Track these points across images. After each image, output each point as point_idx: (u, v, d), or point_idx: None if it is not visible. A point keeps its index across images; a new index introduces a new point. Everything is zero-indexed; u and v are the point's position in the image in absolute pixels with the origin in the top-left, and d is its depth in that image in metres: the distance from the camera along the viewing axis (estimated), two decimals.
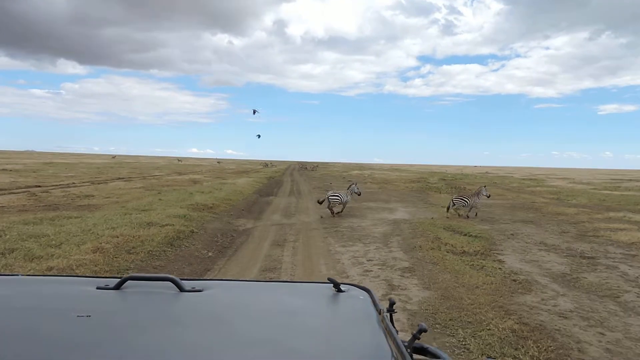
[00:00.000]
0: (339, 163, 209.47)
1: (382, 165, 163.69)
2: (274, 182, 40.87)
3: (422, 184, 39.47)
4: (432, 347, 1.33)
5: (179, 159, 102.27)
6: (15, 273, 1.98)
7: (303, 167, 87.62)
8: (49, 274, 5.89)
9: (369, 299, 1.51)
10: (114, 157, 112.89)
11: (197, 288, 1.53)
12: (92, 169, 52.02)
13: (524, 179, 58.14)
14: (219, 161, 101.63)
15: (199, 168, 68.71)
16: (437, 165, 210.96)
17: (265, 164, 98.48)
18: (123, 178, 36.33)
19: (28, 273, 5.88)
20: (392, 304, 1.54)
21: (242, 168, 78.12)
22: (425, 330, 1.27)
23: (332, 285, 1.61)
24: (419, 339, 1.28)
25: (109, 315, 1.30)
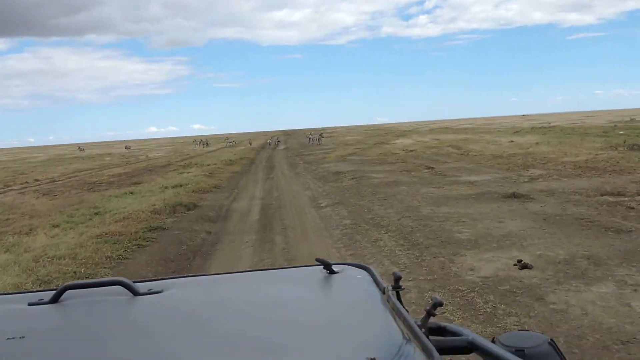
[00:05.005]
0: (339, 128, 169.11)
1: (400, 125, 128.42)
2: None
3: None
4: (452, 324, 1.19)
5: (80, 148, 68.44)
6: None
7: (272, 142, 51.68)
8: None
9: (369, 278, 1.38)
10: None
11: (154, 289, 1.33)
12: None
13: None
14: (127, 146, 66.34)
15: (66, 167, 34.06)
16: (461, 119, 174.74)
17: (204, 142, 59.59)
18: None
19: None
20: (397, 279, 1.31)
21: (168, 158, 43.63)
22: (440, 304, 1.12)
23: (322, 267, 1.43)
24: (434, 315, 1.14)
25: (47, 334, 1.16)
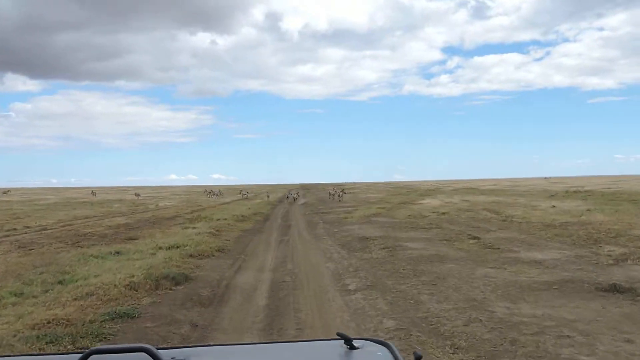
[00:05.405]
0: (358, 184, 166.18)
1: (420, 184, 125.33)
2: None
3: None
4: None
5: (94, 192, 66.62)
6: None
7: (291, 196, 48.74)
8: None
9: (389, 355, 1.37)
10: (5, 192, 76.89)
11: (178, 358, 1.39)
12: None
13: None
14: (137, 194, 64.03)
15: (67, 213, 31.64)
16: (482, 180, 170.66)
17: (216, 192, 60.58)
18: None
19: None
20: (417, 358, 1.32)
21: (178, 208, 41.38)
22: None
23: (343, 341, 1.43)
24: None
25: None
